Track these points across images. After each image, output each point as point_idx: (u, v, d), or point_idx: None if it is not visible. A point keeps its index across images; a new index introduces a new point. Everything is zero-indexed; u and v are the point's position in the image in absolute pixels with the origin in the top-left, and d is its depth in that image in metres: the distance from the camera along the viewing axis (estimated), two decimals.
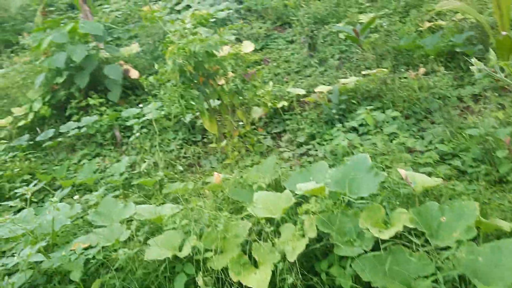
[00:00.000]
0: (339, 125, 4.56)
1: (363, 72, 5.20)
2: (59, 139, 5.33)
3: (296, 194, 2.82)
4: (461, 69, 5.07)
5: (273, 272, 2.43)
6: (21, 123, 5.64)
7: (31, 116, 5.70)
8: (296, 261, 2.44)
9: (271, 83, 5.48)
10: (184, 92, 4.23)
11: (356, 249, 2.38)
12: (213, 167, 4.52)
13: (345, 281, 2.37)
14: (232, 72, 4.71)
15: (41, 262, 2.56)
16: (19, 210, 3.33)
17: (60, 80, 5.72)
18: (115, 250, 2.70)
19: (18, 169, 4.59)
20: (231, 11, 7.71)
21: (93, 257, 2.66)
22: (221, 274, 2.53)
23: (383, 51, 5.75)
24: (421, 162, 3.62)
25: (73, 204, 3.33)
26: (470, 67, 2.74)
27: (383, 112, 4.55)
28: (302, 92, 5.17)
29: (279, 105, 5.02)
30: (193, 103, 4.34)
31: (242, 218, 2.92)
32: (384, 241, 2.39)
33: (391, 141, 4.08)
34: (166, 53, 4.19)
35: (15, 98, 6.32)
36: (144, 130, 5.22)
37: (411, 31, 5.99)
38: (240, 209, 3.21)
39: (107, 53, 6.18)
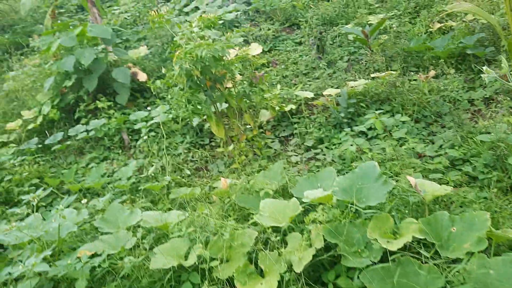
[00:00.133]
0: (347, 129, 4.51)
1: (372, 75, 5.15)
2: (68, 143, 5.35)
3: (303, 202, 2.79)
4: (472, 71, 4.99)
5: (279, 283, 2.40)
6: (30, 126, 5.66)
7: (40, 119, 5.72)
8: (303, 272, 2.41)
9: (279, 86, 5.44)
10: (191, 97, 4.21)
11: (364, 260, 2.34)
12: (221, 172, 4.50)
13: None
14: (240, 74, 4.68)
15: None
16: (28, 215, 3.33)
17: (69, 83, 5.74)
18: (121, 258, 2.69)
19: (26, 173, 4.60)
20: (239, 12, 7.69)
21: (99, 265, 2.65)
22: (227, 284, 2.51)
23: (392, 53, 5.68)
24: (431, 168, 3.56)
25: (80, 210, 3.33)
26: (482, 75, 2.67)
27: (393, 116, 4.50)
28: (310, 95, 5.12)
29: (287, 108, 4.98)
30: (200, 107, 4.33)
31: (248, 226, 2.90)
32: (392, 252, 2.35)
33: (400, 146, 4.03)
34: (173, 57, 4.17)
35: (25, 101, 6.36)
36: (152, 133, 5.21)
37: (421, 33, 5.92)
38: (247, 216, 3.19)
39: (116, 56, 6.19)
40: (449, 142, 3.92)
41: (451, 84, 4.69)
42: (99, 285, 2.76)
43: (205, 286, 2.50)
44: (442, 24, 5.87)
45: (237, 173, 4.28)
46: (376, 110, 4.62)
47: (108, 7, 9.96)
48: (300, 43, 6.89)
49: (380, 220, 2.52)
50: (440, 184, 3.07)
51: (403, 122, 4.32)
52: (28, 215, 3.22)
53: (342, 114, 4.66)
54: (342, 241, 2.45)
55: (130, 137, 5.43)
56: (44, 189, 4.23)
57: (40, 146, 5.39)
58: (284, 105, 4.98)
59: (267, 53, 6.77)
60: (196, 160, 4.79)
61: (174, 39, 4.41)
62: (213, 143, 5.05)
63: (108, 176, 4.65)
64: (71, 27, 6.22)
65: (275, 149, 4.65)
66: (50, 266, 2.64)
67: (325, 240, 2.48)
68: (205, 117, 4.90)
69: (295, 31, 7.33)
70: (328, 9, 7.17)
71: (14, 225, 2.76)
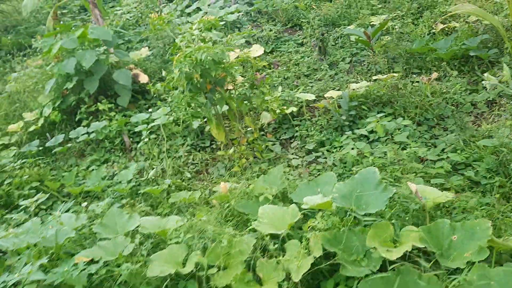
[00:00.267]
0: (349, 132, 4.48)
1: (374, 77, 5.11)
2: (69, 145, 5.34)
3: (302, 208, 2.76)
4: (475, 73, 4.94)
5: None
6: (31, 128, 5.66)
7: (41, 121, 5.71)
8: (301, 280, 2.38)
9: (280, 88, 5.42)
10: (191, 100, 4.19)
11: (363, 269, 2.31)
12: (221, 175, 4.47)
13: None
14: (242, 76, 4.65)
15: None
16: (25, 220, 3.32)
17: (70, 85, 5.72)
18: (118, 265, 2.67)
19: (27, 176, 4.59)
20: (241, 13, 7.66)
21: (96, 272, 2.63)
22: None
23: (395, 54, 5.64)
24: (433, 172, 3.52)
25: (78, 215, 3.31)
26: (483, 82, 2.63)
27: (395, 118, 4.46)
28: (312, 97, 5.09)
29: (288, 110, 4.95)
30: (200, 110, 4.30)
31: (248, 232, 2.87)
32: (392, 261, 2.32)
33: (402, 150, 3.99)
34: (173, 60, 4.15)
35: (27, 102, 6.36)
36: (153, 135, 5.20)
37: (424, 34, 5.87)
38: (246, 221, 3.16)
39: (117, 57, 6.17)
40: (451, 146, 3.88)
41: (454, 86, 4.65)
42: None
43: None
44: (445, 25, 5.82)
45: (237, 176, 4.26)
46: (378, 112, 4.58)
47: (111, 7, 9.95)
48: (302, 44, 6.85)
49: (379, 227, 2.49)
50: (442, 190, 3.04)
51: (405, 126, 4.28)
52: (25, 220, 3.20)
53: (344, 117, 4.62)
54: (341, 250, 2.42)
55: (131, 139, 5.41)
56: (44, 192, 4.22)
57: (41, 148, 5.38)
58: (285, 107, 4.95)
59: (269, 54, 6.73)
60: (197, 163, 4.76)
61: (175, 41, 4.39)
62: (214, 146, 5.02)
63: (108, 179, 4.64)
64: (73, 28, 6.21)
65: (276, 152, 4.63)
66: (47, 273, 2.62)
67: (324, 248, 2.45)
68: (205, 119, 4.88)
69: (297, 32, 7.29)
70: (331, 10, 7.12)
71: (12, 231, 2.74)
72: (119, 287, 2.64)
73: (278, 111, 4.80)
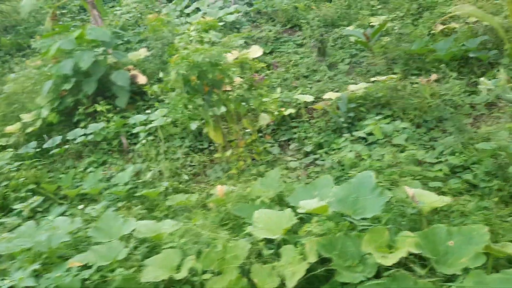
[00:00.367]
0: (347, 134, 4.44)
1: (373, 79, 5.07)
2: (66, 146, 5.32)
3: (298, 213, 2.73)
4: (474, 75, 4.90)
5: None
6: (29, 130, 5.64)
7: (39, 122, 5.69)
8: (296, 286, 2.35)
9: (279, 89, 5.39)
10: (188, 102, 4.16)
11: (358, 275, 2.28)
12: (219, 177, 4.45)
13: None
14: (240, 77, 4.62)
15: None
16: (19, 224, 3.30)
17: (68, 86, 5.70)
18: (112, 270, 2.65)
19: (23, 178, 4.57)
20: (240, 14, 7.63)
21: (89, 278, 2.61)
22: None
23: (394, 55, 5.60)
24: (431, 175, 3.49)
25: (73, 218, 3.29)
26: (479, 86, 2.61)
27: (394, 120, 4.42)
28: (310, 99, 5.07)
29: (287, 112, 4.92)
30: (197, 112, 4.28)
31: (243, 237, 2.85)
32: (387, 267, 2.29)
33: (400, 152, 3.96)
34: (170, 61, 4.13)
35: (25, 103, 6.33)
36: (151, 137, 5.17)
37: (423, 34, 5.83)
38: (242, 225, 3.14)
39: (115, 58, 6.14)
40: (449, 148, 3.84)
41: (453, 88, 4.61)
42: None
43: None
44: (444, 26, 5.78)
45: (235, 178, 4.23)
46: (377, 114, 4.55)
47: (110, 7, 9.92)
48: (301, 45, 6.82)
49: (375, 233, 2.46)
50: (440, 194, 3.01)
51: (404, 128, 4.25)
52: (20, 224, 3.18)
53: (342, 119, 4.60)
54: (336, 255, 2.39)
55: (129, 140, 5.39)
56: (41, 195, 4.21)
57: (38, 150, 5.36)
58: (283, 109, 4.92)
59: (268, 55, 6.70)
60: (195, 165, 4.74)
61: (174, 42, 4.36)
62: (212, 147, 5.00)
63: (105, 181, 4.62)
64: (71, 29, 6.19)
65: (274, 154, 4.60)
66: (40, 278, 2.60)
67: (319, 254, 2.42)
68: (203, 121, 4.86)
69: (297, 32, 7.26)
70: (330, 11, 7.09)
71: (5, 236, 2.72)
72: None
73: (276, 112, 4.77)
